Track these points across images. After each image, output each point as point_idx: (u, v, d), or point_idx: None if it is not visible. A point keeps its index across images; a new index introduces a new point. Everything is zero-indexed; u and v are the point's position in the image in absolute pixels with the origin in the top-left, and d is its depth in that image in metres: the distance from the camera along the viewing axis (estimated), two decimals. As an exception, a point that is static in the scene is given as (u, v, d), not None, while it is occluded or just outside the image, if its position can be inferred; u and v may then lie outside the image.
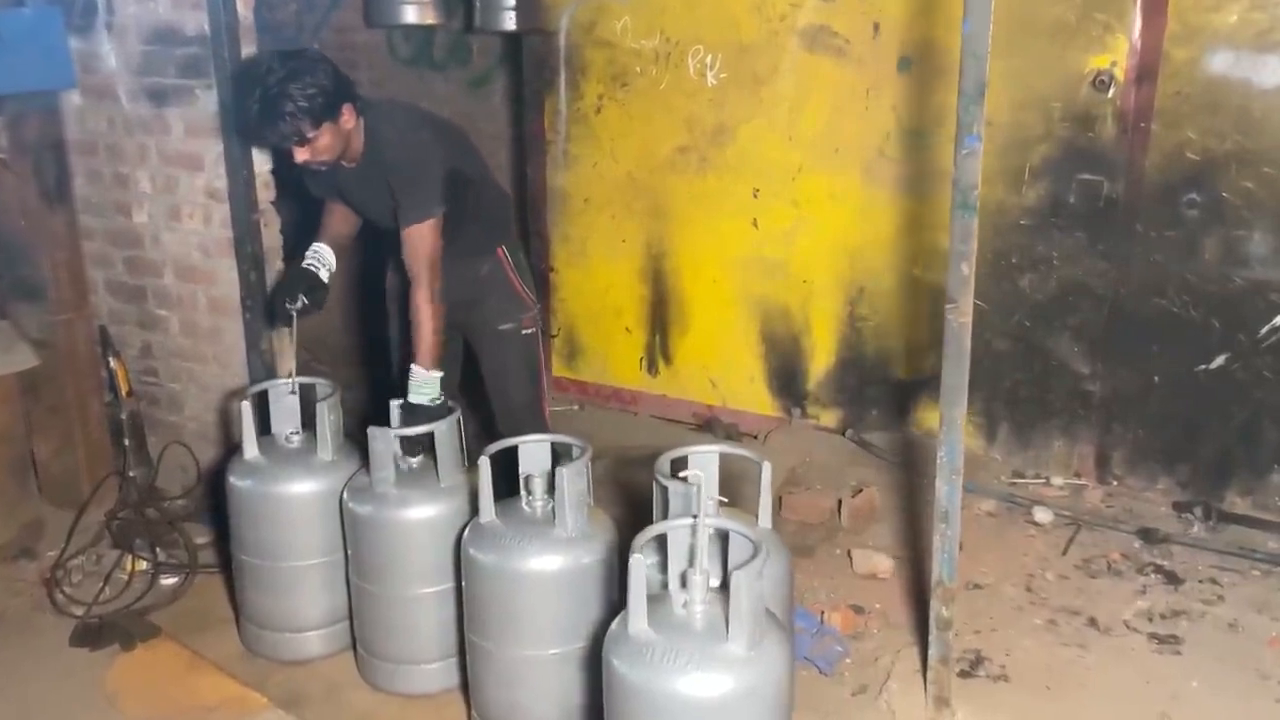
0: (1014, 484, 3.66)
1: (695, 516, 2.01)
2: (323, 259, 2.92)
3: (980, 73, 2.09)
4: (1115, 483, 3.61)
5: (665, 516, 2.31)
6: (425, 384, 2.74)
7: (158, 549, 3.42)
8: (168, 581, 3.34)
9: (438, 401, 2.76)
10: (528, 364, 3.11)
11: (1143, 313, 3.43)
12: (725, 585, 2.11)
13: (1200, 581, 3.06)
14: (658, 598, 2.06)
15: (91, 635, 3.04)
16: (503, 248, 3.06)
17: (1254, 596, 2.98)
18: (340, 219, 3.02)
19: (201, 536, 3.53)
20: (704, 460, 2.43)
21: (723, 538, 2.12)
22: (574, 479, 2.34)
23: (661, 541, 2.12)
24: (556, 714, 2.43)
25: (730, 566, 2.07)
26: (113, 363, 3.73)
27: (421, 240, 2.72)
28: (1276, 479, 3.36)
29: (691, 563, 2.04)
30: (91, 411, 3.65)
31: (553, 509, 2.45)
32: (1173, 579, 3.08)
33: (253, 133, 2.87)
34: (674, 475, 2.35)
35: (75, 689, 2.82)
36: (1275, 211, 3.17)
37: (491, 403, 3.17)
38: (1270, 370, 3.28)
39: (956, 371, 2.27)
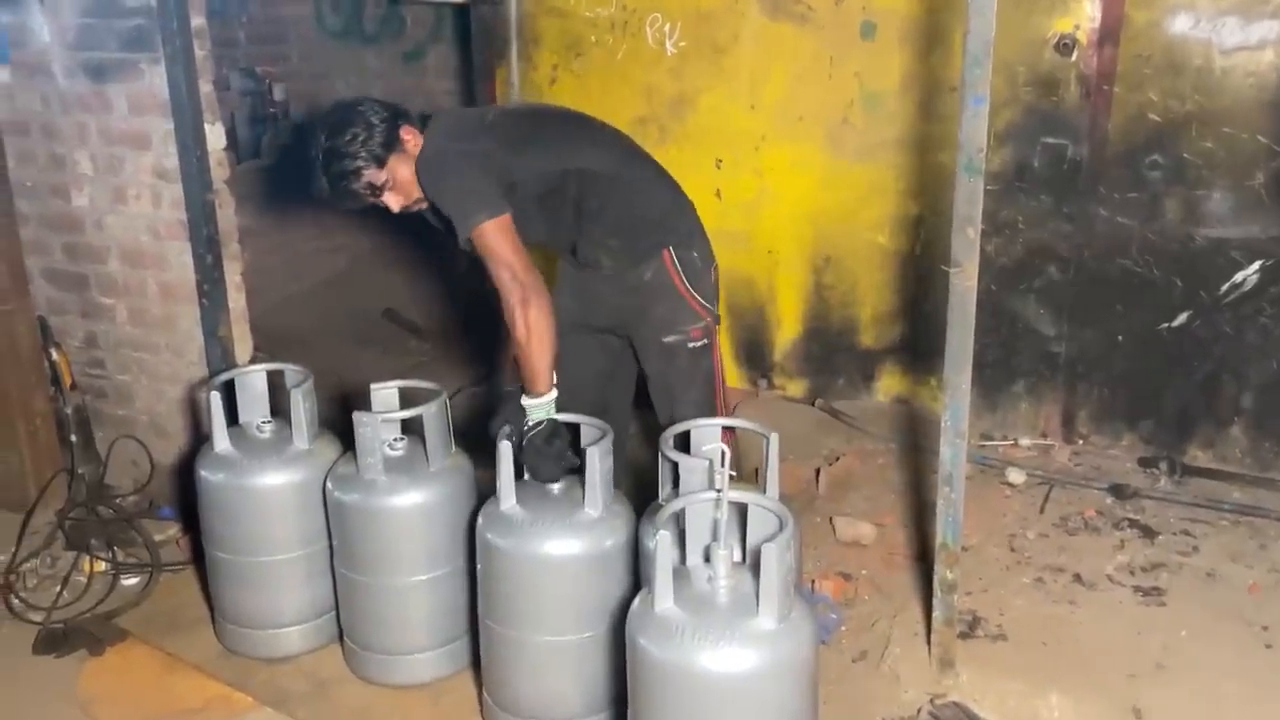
0: (983, 446, 3.70)
1: (719, 491, 1.98)
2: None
3: (987, 33, 2.07)
4: (1081, 441, 3.68)
5: (675, 492, 2.28)
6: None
7: (115, 548, 3.27)
8: (130, 582, 3.20)
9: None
10: (694, 380, 2.76)
11: (1107, 273, 3.48)
12: (745, 559, 2.10)
13: (1174, 534, 3.14)
14: (679, 574, 2.02)
15: (56, 642, 2.89)
16: (669, 250, 2.73)
17: (1228, 545, 3.06)
18: None
19: (160, 533, 3.39)
20: (709, 434, 2.41)
21: (739, 511, 2.09)
22: (603, 457, 2.29)
23: (675, 517, 2.08)
24: (580, 698, 2.39)
25: (753, 540, 2.05)
26: (54, 355, 3.54)
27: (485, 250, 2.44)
28: (1236, 432, 3.45)
29: (715, 538, 2.01)
30: (36, 408, 3.45)
31: (568, 491, 2.42)
32: (1148, 532, 3.15)
33: (335, 203, 2.56)
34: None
35: (45, 698, 2.69)
36: (1234, 171, 3.24)
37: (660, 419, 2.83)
38: (1230, 326, 3.36)
39: (961, 336, 2.26)
